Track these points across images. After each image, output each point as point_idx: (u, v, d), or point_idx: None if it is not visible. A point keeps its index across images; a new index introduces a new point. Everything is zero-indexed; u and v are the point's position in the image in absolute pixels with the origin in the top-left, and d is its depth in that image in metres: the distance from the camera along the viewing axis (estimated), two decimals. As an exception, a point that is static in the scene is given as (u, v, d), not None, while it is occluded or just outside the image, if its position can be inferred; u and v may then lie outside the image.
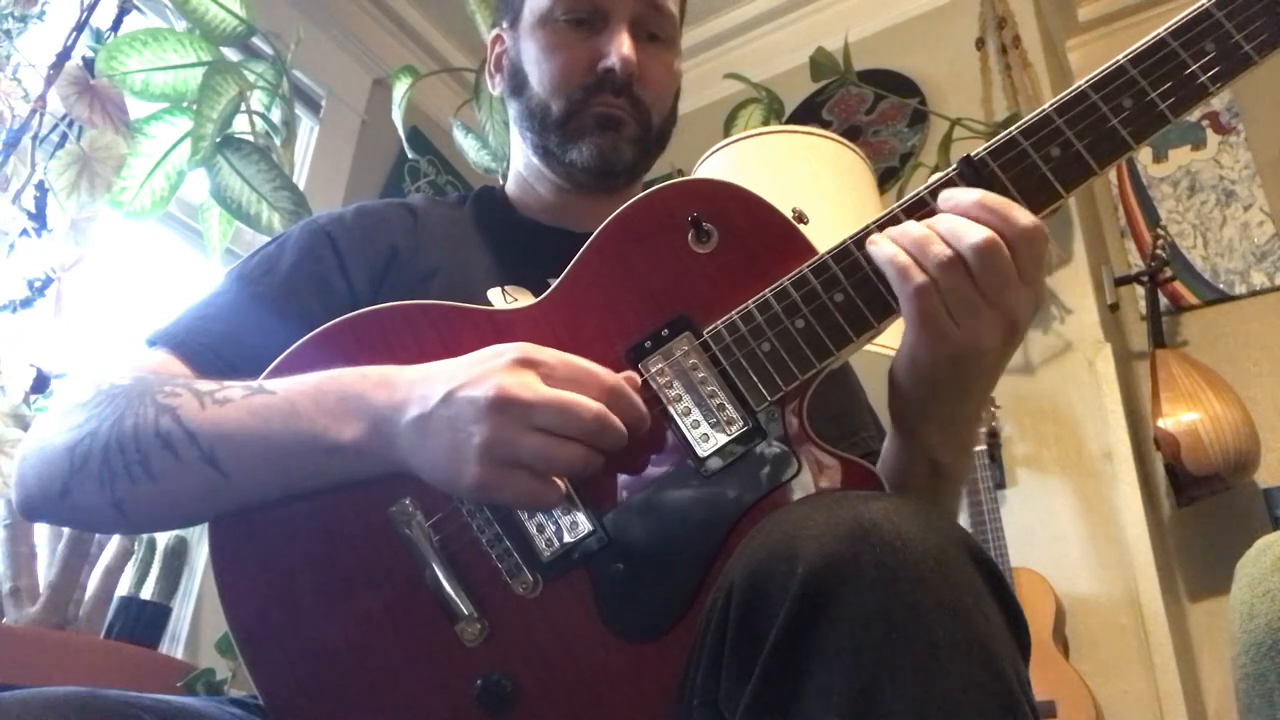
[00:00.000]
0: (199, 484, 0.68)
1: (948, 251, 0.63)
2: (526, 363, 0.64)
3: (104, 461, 0.69)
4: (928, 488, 0.77)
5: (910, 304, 0.65)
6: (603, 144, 0.90)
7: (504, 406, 0.61)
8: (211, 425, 0.68)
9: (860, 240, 0.69)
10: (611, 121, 0.90)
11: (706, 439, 0.67)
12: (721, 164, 1.56)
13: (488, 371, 0.63)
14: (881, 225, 0.69)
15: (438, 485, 0.65)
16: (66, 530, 1.33)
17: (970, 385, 0.70)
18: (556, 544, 0.66)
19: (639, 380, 0.68)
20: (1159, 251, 2.21)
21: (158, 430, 0.69)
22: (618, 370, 0.68)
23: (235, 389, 0.70)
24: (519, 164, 1.01)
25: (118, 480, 0.68)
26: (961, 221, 0.64)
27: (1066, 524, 1.93)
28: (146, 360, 0.78)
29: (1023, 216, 0.64)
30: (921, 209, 0.68)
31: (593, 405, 0.62)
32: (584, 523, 0.66)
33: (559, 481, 0.64)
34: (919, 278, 0.64)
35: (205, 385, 0.72)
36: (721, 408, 0.68)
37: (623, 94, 0.89)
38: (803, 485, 0.67)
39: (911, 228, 0.66)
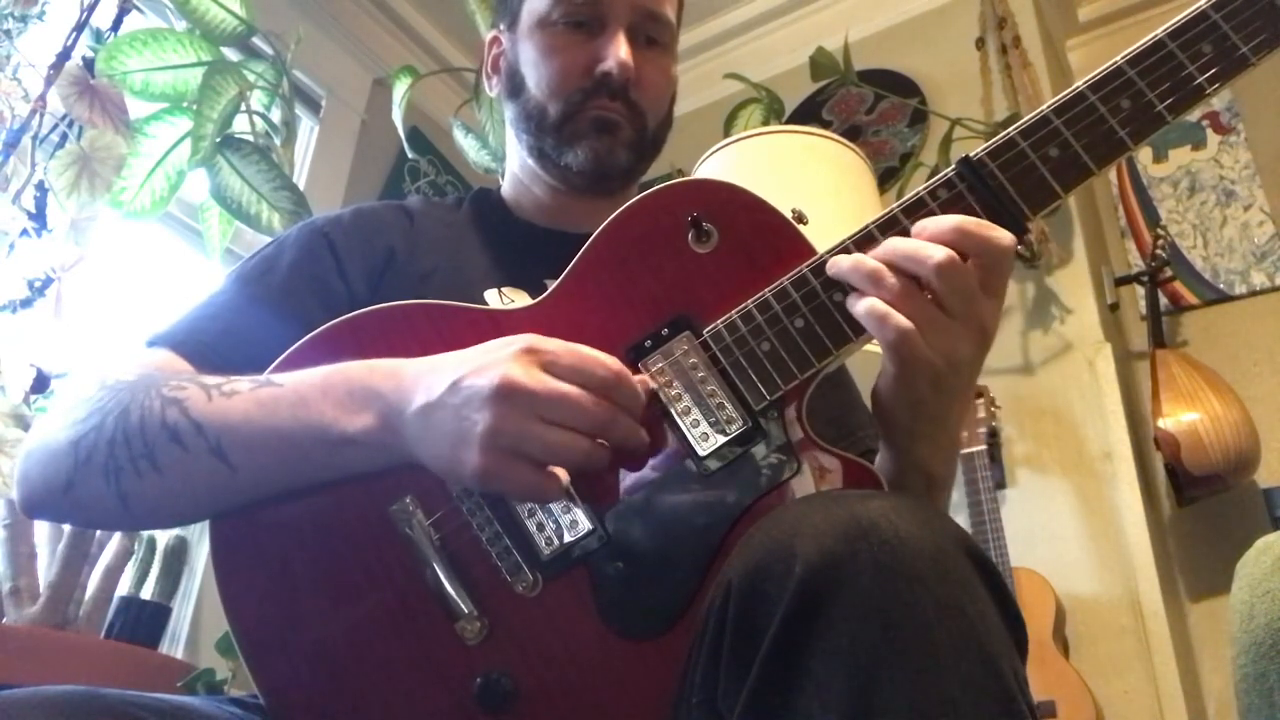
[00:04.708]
0: (206, 477, 0.68)
1: (903, 280, 0.65)
2: (532, 352, 0.64)
3: (109, 455, 0.68)
4: (923, 496, 0.77)
5: (881, 336, 0.66)
6: (598, 147, 0.90)
7: (508, 395, 0.61)
8: (219, 417, 0.68)
9: (861, 239, 0.69)
10: (608, 125, 0.90)
11: (706, 438, 0.67)
12: (721, 164, 1.56)
13: (494, 360, 0.63)
14: (882, 225, 0.69)
15: (441, 474, 0.66)
16: (67, 530, 1.33)
17: (951, 396, 0.70)
18: (556, 542, 0.66)
19: (652, 385, 0.68)
20: (1159, 251, 2.21)
21: (164, 422, 0.68)
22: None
23: (242, 382, 0.70)
24: (514, 165, 1.01)
25: (123, 474, 0.68)
26: (915, 245, 0.65)
27: (1066, 524, 1.93)
28: (149, 358, 0.78)
29: (1000, 236, 0.65)
30: (921, 209, 0.69)
31: (599, 400, 0.62)
32: (584, 521, 0.66)
33: (560, 475, 0.64)
34: (885, 312, 0.65)
35: (211, 379, 0.72)
36: (721, 407, 0.68)
37: (619, 98, 0.90)
38: (802, 484, 0.67)
39: (865, 263, 0.66)
